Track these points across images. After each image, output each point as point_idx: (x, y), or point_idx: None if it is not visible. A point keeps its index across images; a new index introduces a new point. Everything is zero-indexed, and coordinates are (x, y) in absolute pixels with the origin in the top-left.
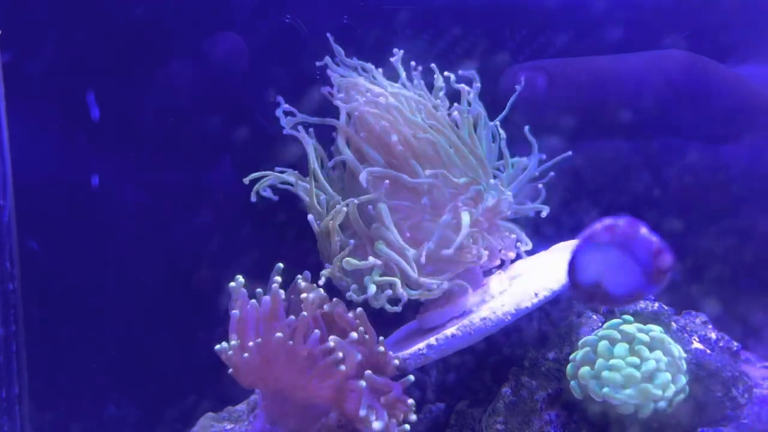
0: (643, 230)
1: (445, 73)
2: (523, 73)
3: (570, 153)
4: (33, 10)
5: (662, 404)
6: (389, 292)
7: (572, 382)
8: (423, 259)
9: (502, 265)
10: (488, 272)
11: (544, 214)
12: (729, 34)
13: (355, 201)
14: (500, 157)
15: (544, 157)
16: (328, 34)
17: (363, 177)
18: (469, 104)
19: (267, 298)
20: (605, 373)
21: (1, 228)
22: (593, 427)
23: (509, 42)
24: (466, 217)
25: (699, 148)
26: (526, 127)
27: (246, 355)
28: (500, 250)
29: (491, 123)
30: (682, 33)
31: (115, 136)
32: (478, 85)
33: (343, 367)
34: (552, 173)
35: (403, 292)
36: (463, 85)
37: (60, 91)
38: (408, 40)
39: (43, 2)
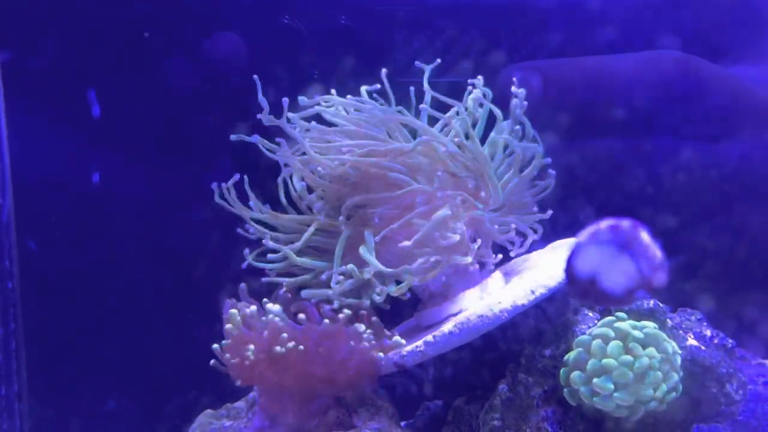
0: (645, 235)
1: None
2: (518, 73)
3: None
4: (32, 8)
5: (653, 404)
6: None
7: (565, 390)
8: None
9: (499, 263)
10: (485, 270)
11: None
12: (722, 34)
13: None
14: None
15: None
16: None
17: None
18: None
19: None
20: (596, 380)
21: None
22: (589, 423)
23: (505, 42)
24: (440, 211)
25: (692, 147)
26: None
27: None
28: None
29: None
30: (672, 33)
31: (114, 135)
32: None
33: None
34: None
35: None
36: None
37: (59, 89)
38: (405, 41)
39: (42, 0)
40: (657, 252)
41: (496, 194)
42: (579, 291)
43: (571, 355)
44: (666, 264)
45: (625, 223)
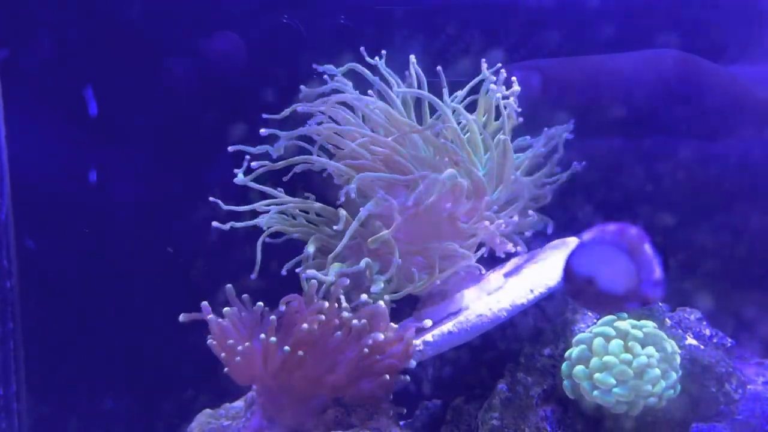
0: (649, 248)
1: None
2: (517, 73)
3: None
4: (30, 6)
5: (653, 400)
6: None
7: (565, 381)
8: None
9: (500, 262)
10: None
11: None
12: (722, 33)
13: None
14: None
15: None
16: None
17: (353, 187)
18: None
19: None
20: (597, 375)
21: None
22: (588, 422)
23: (504, 41)
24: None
25: (692, 146)
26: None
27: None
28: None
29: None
30: (673, 32)
31: (113, 133)
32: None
33: None
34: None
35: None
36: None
37: (58, 88)
38: (404, 40)
39: None
40: (657, 267)
41: (508, 192)
42: (575, 289)
43: (573, 351)
44: (663, 282)
45: (632, 230)
